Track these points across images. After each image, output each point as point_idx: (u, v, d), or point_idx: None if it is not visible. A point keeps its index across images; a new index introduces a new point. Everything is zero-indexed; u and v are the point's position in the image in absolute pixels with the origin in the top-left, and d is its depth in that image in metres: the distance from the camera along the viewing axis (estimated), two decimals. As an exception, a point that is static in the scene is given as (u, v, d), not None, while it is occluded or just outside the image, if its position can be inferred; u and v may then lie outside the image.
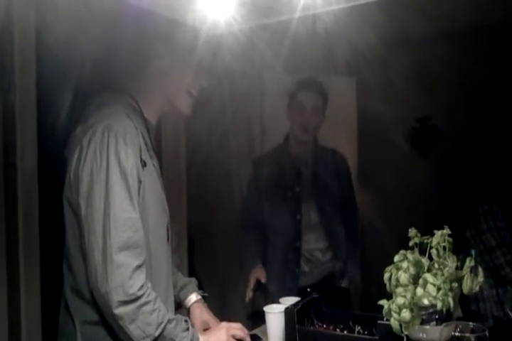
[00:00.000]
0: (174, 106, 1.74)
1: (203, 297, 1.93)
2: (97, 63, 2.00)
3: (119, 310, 1.43)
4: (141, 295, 1.46)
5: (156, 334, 1.47)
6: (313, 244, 2.76)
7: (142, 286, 1.46)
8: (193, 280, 1.95)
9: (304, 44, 2.59)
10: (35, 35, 2.16)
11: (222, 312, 1.96)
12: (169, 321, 1.51)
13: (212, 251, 3.85)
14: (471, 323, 1.27)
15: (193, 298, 1.90)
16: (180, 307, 1.90)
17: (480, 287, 1.53)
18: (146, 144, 1.60)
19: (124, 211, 1.47)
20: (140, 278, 1.47)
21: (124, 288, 1.42)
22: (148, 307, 1.47)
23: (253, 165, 2.92)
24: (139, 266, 1.47)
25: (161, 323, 1.48)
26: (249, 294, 2.69)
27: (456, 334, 1.22)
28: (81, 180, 1.50)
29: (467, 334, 1.21)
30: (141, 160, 1.55)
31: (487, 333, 1.21)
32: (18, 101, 2.25)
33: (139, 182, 1.53)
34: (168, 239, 1.71)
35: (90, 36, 2.07)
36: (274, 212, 2.75)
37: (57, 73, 2.37)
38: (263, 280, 2.68)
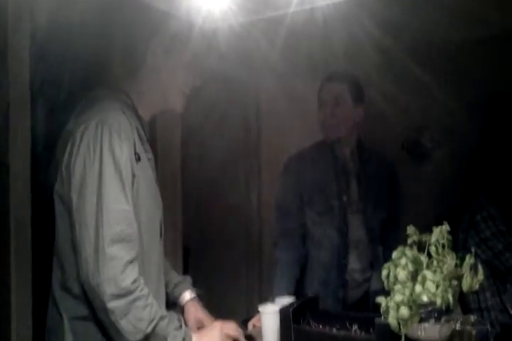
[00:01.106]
0: (167, 104, 1.73)
1: (199, 295, 1.90)
2: (92, 59, 1.98)
3: (111, 304, 1.40)
4: (134, 290, 1.43)
5: (148, 330, 1.44)
6: (355, 262, 2.37)
7: (135, 281, 1.44)
8: (188, 278, 1.93)
9: (302, 37, 2.56)
10: (29, 31, 2.15)
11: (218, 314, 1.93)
12: (162, 318, 1.48)
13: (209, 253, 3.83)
14: (472, 316, 1.23)
15: (187, 295, 1.87)
16: (174, 305, 1.86)
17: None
18: (140, 138, 1.58)
19: (117, 203, 1.45)
20: (133, 272, 1.44)
21: (116, 282, 1.40)
22: (140, 303, 1.44)
23: (288, 165, 2.46)
24: (131, 261, 1.45)
25: (153, 319, 1.45)
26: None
27: (457, 328, 1.19)
28: (73, 173, 1.48)
29: (468, 327, 1.18)
30: (135, 153, 1.53)
31: (489, 327, 1.17)
32: (12, 98, 2.23)
33: (133, 176, 1.51)
34: (161, 235, 1.68)
35: (86, 32, 2.05)
36: (316, 222, 2.36)
37: (51, 70, 2.34)
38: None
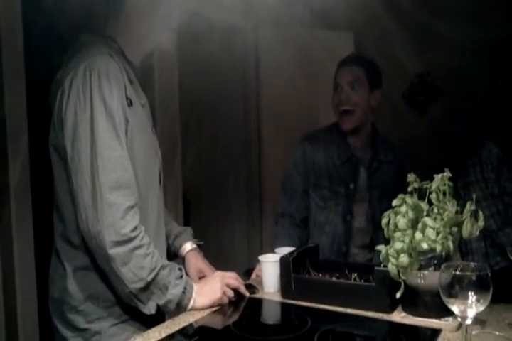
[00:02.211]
0: (154, 43, 1.67)
1: (199, 246, 1.90)
2: (76, 6, 1.92)
3: (111, 251, 1.40)
4: (135, 237, 1.42)
5: (149, 278, 1.44)
6: (359, 248, 2.34)
7: (135, 228, 1.43)
8: (188, 229, 1.92)
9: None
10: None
11: (218, 267, 1.94)
12: (163, 267, 1.48)
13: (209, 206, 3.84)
14: (472, 263, 1.23)
15: (188, 246, 1.87)
16: (176, 256, 1.87)
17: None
18: (131, 82, 1.54)
19: (111, 149, 1.42)
20: (133, 219, 1.43)
21: (115, 228, 1.39)
22: (141, 251, 1.44)
23: (300, 145, 2.38)
24: (131, 207, 1.43)
25: (155, 268, 1.46)
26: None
27: (457, 273, 1.18)
28: (65, 121, 1.45)
29: (468, 273, 1.17)
30: (127, 98, 1.49)
31: (489, 272, 1.17)
32: (5, 47, 2.19)
33: (126, 121, 1.48)
34: (160, 182, 1.67)
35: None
36: (320, 207, 2.32)
37: (42, 22, 2.29)
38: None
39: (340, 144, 2.33)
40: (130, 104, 1.50)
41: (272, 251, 1.88)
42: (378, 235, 2.27)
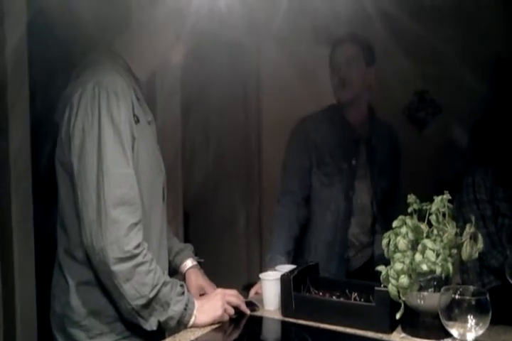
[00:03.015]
0: (161, 58, 1.69)
1: (199, 263, 1.91)
2: (83, 22, 1.95)
3: (114, 268, 1.41)
4: (138, 254, 1.44)
5: (151, 295, 1.45)
6: (360, 227, 2.40)
7: (139, 245, 1.45)
8: (189, 246, 1.93)
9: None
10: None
11: (218, 282, 1.95)
12: (165, 283, 1.49)
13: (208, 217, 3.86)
14: (471, 287, 1.24)
15: (189, 263, 1.88)
16: (176, 273, 1.88)
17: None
18: (138, 99, 1.56)
19: (117, 166, 1.44)
20: (137, 236, 1.45)
21: (119, 245, 1.40)
22: (144, 268, 1.45)
23: (301, 124, 2.45)
24: (135, 224, 1.45)
25: (157, 285, 1.47)
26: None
27: (457, 297, 1.20)
28: (72, 137, 1.47)
29: (467, 297, 1.19)
30: (134, 115, 1.51)
31: (488, 296, 1.19)
32: (9, 60, 2.21)
33: (133, 138, 1.50)
34: (163, 199, 1.68)
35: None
36: (324, 183, 2.37)
37: (48, 36, 2.32)
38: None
39: (340, 122, 2.41)
40: (137, 121, 1.52)
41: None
42: (379, 219, 2.39)
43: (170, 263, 1.82)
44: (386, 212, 2.39)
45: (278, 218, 2.31)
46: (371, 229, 2.43)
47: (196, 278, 1.85)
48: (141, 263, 1.45)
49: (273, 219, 2.35)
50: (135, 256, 1.43)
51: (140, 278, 1.44)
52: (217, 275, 2.01)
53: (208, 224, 3.91)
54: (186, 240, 3.19)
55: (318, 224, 2.38)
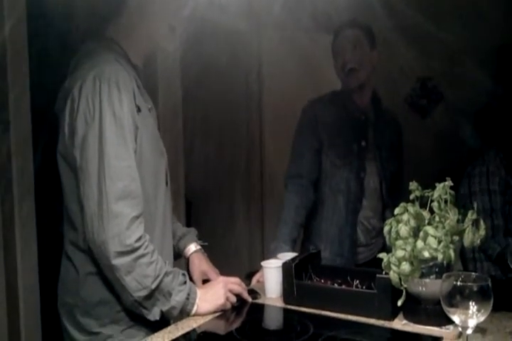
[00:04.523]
0: (157, 44, 1.68)
1: (203, 246, 1.91)
2: (79, 11, 1.93)
3: (115, 261, 1.41)
4: (139, 247, 1.44)
5: (153, 286, 1.45)
6: (372, 211, 2.41)
7: (140, 238, 1.44)
8: (193, 230, 1.93)
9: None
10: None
11: (220, 270, 1.95)
12: (166, 274, 1.49)
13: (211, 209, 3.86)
14: (473, 273, 1.24)
15: (192, 247, 1.88)
16: (179, 257, 1.88)
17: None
18: (139, 88, 1.55)
19: (119, 159, 1.44)
20: (138, 229, 1.45)
21: (120, 238, 1.40)
22: (145, 260, 1.45)
23: (310, 107, 2.46)
24: (137, 217, 1.45)
25: (158, 276, 1.47)
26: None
27: (458, 284, 1.20)
28: (75, 131, 1.46)
29: (469, 284, 1.18)
30: (136, 105, 1.50)
31: (490, 283, 1.18)
32: (10, 55, 2.20)
33: (136, 128, 1.49)
34: (166, 183, 1.68)
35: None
36: (335, 164, 2.37)
37: (46, 28, 2.30)
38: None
39: (348, 104, 2.43)
40: (139, 110, 1.51)
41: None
42: (389, 205, 2.37)
43: (173, 247, 1.81)
44: (393, 199, 2.38)
45: (285, 205, 2.30)
46: (382, 214, 2.43)
47: (200, 263, 1.85)
48: (142, 255, 1.45)
49: (282, 206, 2.32)
50: (136, 249, 1.43)
51: (142, 270, 1.44)
52: (220, 263, 2.01)
53: (210, 213, 3.91)
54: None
55: (329, 208, 2.38)
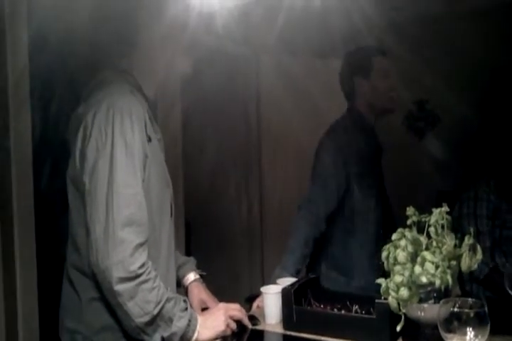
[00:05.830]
0: (174, 72, 1.71)
1: (201, 276, 1.92)
2: (88, 41, 1.97)
3: (118, 287, 1.42)
4: (142, 273, 1.45)
5: (155, 312, 1.46)
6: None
7: (143, 264, 1.46)
8: (192, 260, 1.94)
9: (300, 20, 2.54)
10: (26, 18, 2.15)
11: (219, 294, 1.96)
12: (168, 300, 1.50)
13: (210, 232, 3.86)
14: (470, 299, 1.26)
15: (192, 277, 1.89)
16: (178, 286, 1.89)
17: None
18: (150, 119, 1.58)
19: (128, 187, 1.46)
20: (142, 256, 1.46)
21: (124, 265, 1.42)
22: (147, 285, 1.46)
23: (334, 137, 2.39)
24: (141, 244, 1.46)
25: (160, 301, 1.48)
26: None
27: (455, 310, 1.21)
28: (86, 156, 1.49)
29: (466, 310, 1.20)
30: (147, 134, 1.54)
31: (486, 309, 1.20)
32: (11, 82, 2.24)
33: (146, 157, 1.52)
34: (171, 215, 1.70)
35: (78, 12, 2.03)
36: (366, 194, 2.33)
37: (49, 56, 2.34)
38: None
39: (368, 130, 2.43)
40: (149, 140, 1.55)
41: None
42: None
43: None
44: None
45: (295, 232, 2.21)
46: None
47: (199, 292, 1.87)
48: (145, 281, 1.46)
49: (291, 228, 2.24)
50: (139, 275, 1.45)
51: (144, 296, 1.45)
52: (219, 287, 2.02)
53: (209, 236, 3.92)
54: (188, 251, 3.21)
55: (360, 237, 2.34)
